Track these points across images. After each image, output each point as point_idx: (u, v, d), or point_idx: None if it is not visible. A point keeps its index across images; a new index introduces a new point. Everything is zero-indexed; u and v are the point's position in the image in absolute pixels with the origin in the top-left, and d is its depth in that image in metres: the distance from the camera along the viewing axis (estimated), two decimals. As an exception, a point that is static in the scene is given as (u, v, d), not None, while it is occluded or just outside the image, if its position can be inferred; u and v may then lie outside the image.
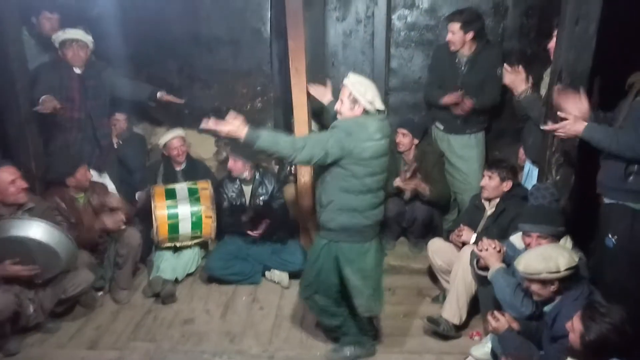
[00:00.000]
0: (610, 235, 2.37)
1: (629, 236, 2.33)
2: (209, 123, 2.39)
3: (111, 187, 3.75)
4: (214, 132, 2.42)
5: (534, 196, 2.65)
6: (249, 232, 3.57)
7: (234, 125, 2.37)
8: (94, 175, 3.67)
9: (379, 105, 2.52)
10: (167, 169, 3.93)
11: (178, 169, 3.94)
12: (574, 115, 2.36)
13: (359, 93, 2.47)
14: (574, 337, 1.95)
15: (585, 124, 2.32)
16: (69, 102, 3.54)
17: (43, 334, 3.10)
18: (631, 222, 2.33)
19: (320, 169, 2.60)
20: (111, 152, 3.87)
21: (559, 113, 2.42)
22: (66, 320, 3.25)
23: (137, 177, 4.01)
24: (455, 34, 3.50)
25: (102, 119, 3.76)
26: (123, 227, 3.39)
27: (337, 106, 2.58)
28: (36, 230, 2.78)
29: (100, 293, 3.50)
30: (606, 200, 2.43)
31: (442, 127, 3.83)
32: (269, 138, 2.41)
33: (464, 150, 3.78)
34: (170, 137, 3.85)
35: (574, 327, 1.95)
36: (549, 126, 2.47)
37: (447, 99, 3.61)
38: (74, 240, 2.95)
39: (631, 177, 2.29)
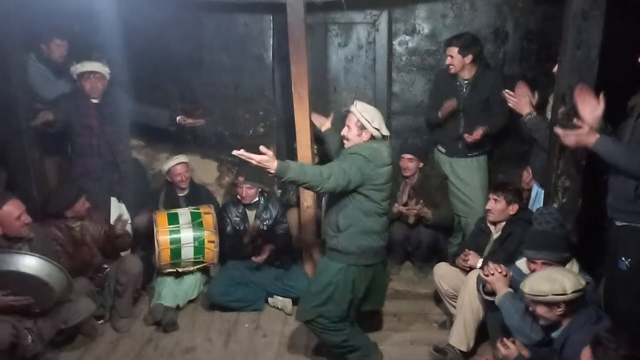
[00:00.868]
0: (623, 258, 2.34)
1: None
2: (242, 152, 2.40)
3: (126, 216, 3.73)
4: (245, 160, 2.40)
5: (537, 221, 2.64)
6: (253, 259, 3.54)
7: (267, 157, 2.39)
8: (113, 202, 3.69)
9: (385, 132, 2.65)
10: (169, 194, 3.92)
11: (181, 194, 3.92)
12: (589, 125, 2.32)
13: (367, 121, 2.60)
14: None
15: (598, 136, 2.29)
16: (87, 130, 3.61)
17: (41, 365, 3.03)
18: (644, 244, 2.30)
19: (335, 196, 2.66)
20: (131, 178, 3.87)
21: (575, 121, 2.40)
22: (65, 349, 3.18)
23: (138, 202, 3.99)
24: (454, 57, 3.56)
25: (121, 145, 3.79)
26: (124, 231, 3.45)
27: (344, 132, 2.67)
28: (26, 264, 2.73)
29: (100, 322, 3.43)
30: (617, 223, 2.40)
31: (444, 151, 3.85)
32: (297, 169, 2.46)
33: (466, 173, 3.78)
34: (174, 163, 3.85)
35: None
36: (562, 131, 2.42)
37: (444, 108, 3.62)
38: (68, 271, 2.89)
39: None
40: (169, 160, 3.91)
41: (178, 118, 3.84)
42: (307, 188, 2.60)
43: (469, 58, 3.56)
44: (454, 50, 3.56)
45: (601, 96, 2.39)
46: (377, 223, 2.68)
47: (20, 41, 3.35)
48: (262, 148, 2.43)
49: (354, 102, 2.68)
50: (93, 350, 3.21)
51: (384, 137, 2.67)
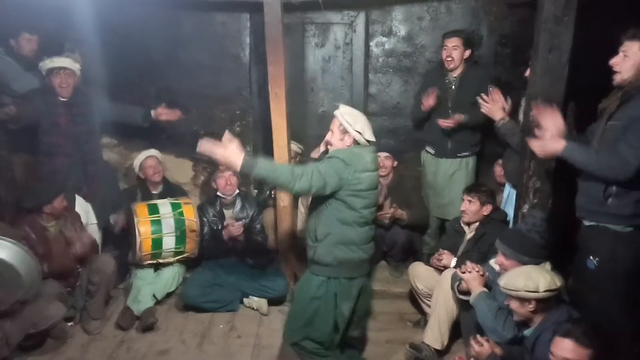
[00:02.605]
0: (591, 257, 2.40)
1: (611, 258, 2.36)
2: (205, 145, 2.29)
3: (93, 220, 3.65)
4: (209, 157, 2.31)
5: (523, 219, 2.71)
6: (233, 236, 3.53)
7: (231, 150, 2.28)
8: (80, 202, 3.59)
9: (369, 136, 2.51)
10: (143, 192, 3.86)
11: (154, 191, 3.87)
12: (552, 133, 2.38)
13: (348, 124, 2.47)
14: None
15: (564, 142, 2.35)
16: (54, 128, 3.52)
17: (8, 369, 2.94)
18: (612, 244, 2.36)
19: (315, 202, 2.56)
20: (99, 179, 3.79)
21: (535, 131, 2.45)
22: (34, 354, 3.09)
23: (107, 203, 3.90)
24: (457, 49, 3.49)
25: (90, 144, 3.72)
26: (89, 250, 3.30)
27: (328, 137, 2.57)
28: None
29: (70, 323, 3.35)
30: (586, 223, 2.46)
31: (432, 152, 3.76)
32: (266, 165, 2.34)
33: (454, 175, 3.69)
34: (144, 157, 3.81)
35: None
36: (530, 142, 2.48)
37: (426, 101, 3.54)
38: (39, 264, 2.81)
39: (610, 199, 2.33)
40: (139, 155, 3.86)
41: (153, 113, 3.77)
42: (277, 186, 2.42)
43: (467, 52, 3.54)
44: (457, 41, 3.49)
45: (556, 108, 2.46)
46: (356, 233, 2.50)
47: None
48: (226, 135, 2.29)
49: (339, 106, 2.57)
50: (63, 353, 3.13)
51: (368, 142, 2.53)
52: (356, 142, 2.50)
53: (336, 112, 2.54)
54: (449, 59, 3.54)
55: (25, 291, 2.77)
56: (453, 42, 3.51)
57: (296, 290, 2.76)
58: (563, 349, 2.00)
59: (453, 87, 3.62)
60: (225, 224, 3.60)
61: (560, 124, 2.42)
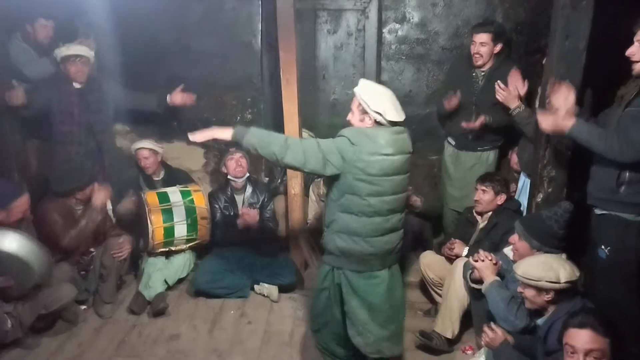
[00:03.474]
0: (603, 247, 2.37)
1: (622, 247, 2.33)
2: (195, 135, 2.33)
3: (109, 206, 3.68)
4: (204, 141, 2.38)
5: (550, 209, 2.64)
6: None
7: (219, 129, 2.29)
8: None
9: (393, 117, 2.18)
10: (146, 178, 3.87)
11: (156, 178, 3.87)
12: (564, 111, 2.35)
13: (367, 103, 2.19)
14: None
15: (574, 120, 2.31)
16: (68, 117, 3.53)
17: (22, 350, 2.97)
18: (623, 233, 2.33)
19: (328, 185, 2.36)
20: (113, 166, 3.80)
21: (549, 106, 2.42)
22: (47, 335, 3.13)
23: (121, 191, 3.92)
24: (485, 45, 3.32)
25: (105, 133, 3.73)
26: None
27: (349, 117, 2.30)
28: (4, 241, 2.68)
29: (83, 307, 3.39)
30: (597, 212, 2.43)
31: (453, 143, 3.68)
32: (258, 132, 2.22)
33: (472, 168, 3.59)
34: (139, 146, 3.80)
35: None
36: (541, 113, 2.45)
37: (448, 103, 3.47)
38: (58, 248, 2.89)
39: (622, 188, 2.29)
40: (137, 142, 3.85)
41: (168, 98, 3.75)
42: (269, 155, 2.21)
43: (498, 47, 3.36)
44: (486, 37, 3.29)
45: (571, 87, 2.43)
46: (360, 223, 2.23)
47: (4, 25, 3.27)
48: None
49: (360, 81, 2.28)
50: (76, 336, 3.17)
51: (392, 123, 2.20)
52: (378, 123, 2.21)
53: (355, 90, 2.24)
54: (477, 55, 3.35)
55: (37, 279, 2.83)
56: (482, 39, 3.32)
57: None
58: (583, 340, 1.92)
59: (480, 82, 3.44)
60: (240, 212, 3.60)
61: (571, 102, 2.38)
